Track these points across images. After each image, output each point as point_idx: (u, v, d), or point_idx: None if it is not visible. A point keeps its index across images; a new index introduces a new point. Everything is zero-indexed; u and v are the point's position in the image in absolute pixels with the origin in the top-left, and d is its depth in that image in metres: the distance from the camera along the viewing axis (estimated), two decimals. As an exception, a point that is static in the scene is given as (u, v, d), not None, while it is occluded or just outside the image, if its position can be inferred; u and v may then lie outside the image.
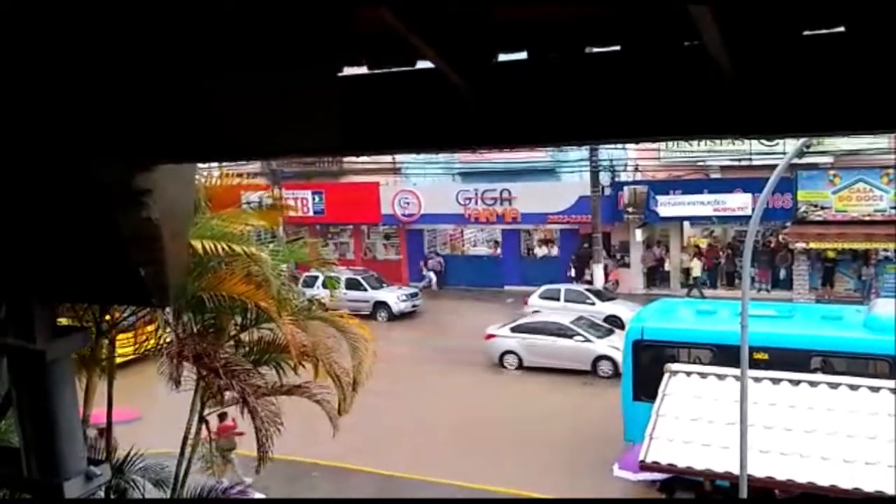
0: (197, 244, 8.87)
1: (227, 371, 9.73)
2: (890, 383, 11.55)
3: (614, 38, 1.97)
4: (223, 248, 9.14)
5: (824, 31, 1.83)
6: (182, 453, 11.24)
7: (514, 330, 23.67)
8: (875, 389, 11.30)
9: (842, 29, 1.82)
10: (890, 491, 9.89)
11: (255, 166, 33.69)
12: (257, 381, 10.99)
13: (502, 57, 2.14)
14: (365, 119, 2.24)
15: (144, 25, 2.42)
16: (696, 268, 30.06)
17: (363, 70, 2.35)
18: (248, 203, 21.54)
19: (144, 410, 16.44)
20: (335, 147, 2.74)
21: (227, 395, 10.82)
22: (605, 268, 31.79)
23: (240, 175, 19.92)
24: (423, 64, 2.26)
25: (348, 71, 2.43)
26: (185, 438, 11.29)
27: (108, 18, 2.39)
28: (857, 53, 1.82)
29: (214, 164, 12.46)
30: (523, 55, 2.08)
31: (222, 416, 14.76)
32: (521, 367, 23.22)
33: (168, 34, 2.47)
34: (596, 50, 1.98)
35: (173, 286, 3.72)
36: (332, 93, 2.27)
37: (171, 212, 3.41)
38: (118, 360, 10.85)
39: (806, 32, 1.84)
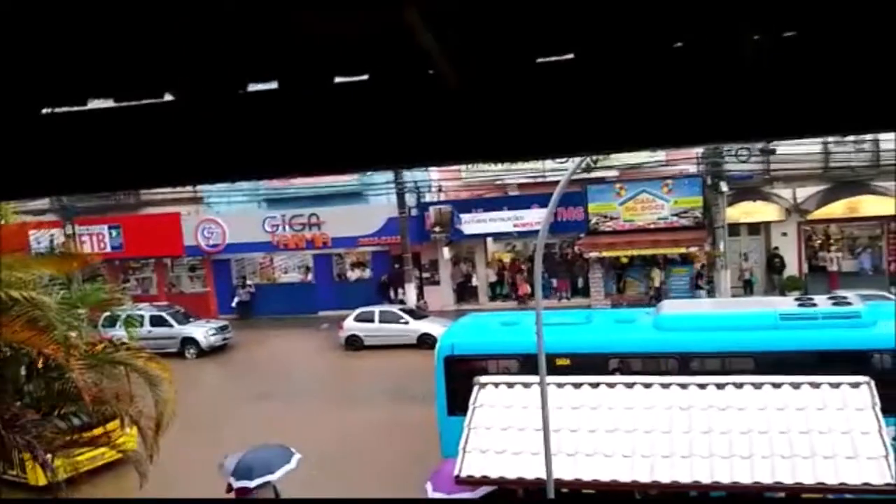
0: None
1: (9, 425, 8.95)
2: (679, 379, 12.37)
3: (361, 67, 2.00)
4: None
5: (556, 59, 1.94)
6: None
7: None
8: (666, 386, 12.05)
9: (571, 56, 1.94)
10: (684, 480, 10.59)
11: (43, 202, 31.49)
12: (50, 434, 10.21)
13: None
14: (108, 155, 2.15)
15: None
16: (657, 278, 29.69)
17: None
18: (39, 242, 20.04)
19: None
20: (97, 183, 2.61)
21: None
22: (420, 288, 32.30)
23: (25, 212, 18.49)
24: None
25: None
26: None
27: None
28: (587, 79, 1.94)
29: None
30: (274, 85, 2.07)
31: None
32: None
33: None
34: (345, 80, 2.00)
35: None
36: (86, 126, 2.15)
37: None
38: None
39: (539, 60, 1.94)
